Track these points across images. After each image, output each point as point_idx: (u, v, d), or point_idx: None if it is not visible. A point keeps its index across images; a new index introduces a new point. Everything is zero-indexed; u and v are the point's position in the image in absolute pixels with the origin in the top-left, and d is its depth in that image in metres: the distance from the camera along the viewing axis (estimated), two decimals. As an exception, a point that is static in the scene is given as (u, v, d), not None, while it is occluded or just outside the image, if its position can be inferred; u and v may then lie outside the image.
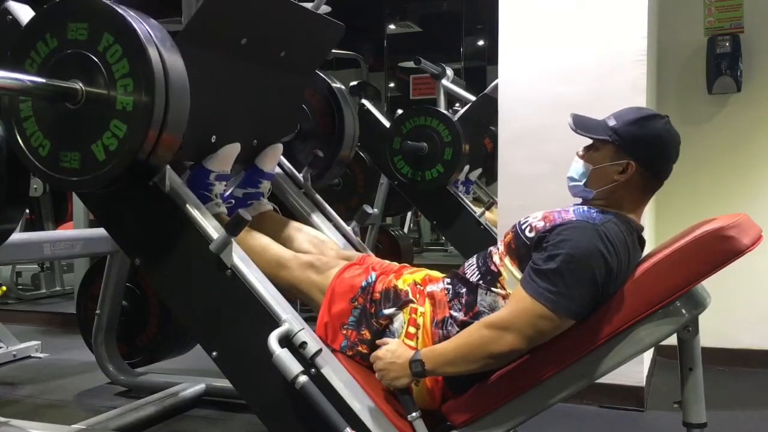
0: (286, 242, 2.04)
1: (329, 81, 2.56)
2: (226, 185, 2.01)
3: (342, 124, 2.52)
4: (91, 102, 1.62)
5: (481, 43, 7.90)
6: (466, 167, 4.22)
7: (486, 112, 4.41)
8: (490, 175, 4.99)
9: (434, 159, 3.96)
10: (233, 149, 1.95)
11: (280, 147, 2.18)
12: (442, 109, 4.43)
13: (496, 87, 4.56)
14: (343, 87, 2.62)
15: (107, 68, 1.60)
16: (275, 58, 2.05)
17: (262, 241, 1.91)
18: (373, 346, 1.67)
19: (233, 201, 2.09)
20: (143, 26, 1.60)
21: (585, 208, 1.62)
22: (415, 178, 4.02)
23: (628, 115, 1.61)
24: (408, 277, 1.80)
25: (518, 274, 1.58)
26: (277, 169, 2.16)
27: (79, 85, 1.62)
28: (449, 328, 1.65)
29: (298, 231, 2.11)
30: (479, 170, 4.57)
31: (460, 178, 4.23)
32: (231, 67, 1.92)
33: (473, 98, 4.49)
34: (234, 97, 1.98)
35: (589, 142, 1.65)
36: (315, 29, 2.14)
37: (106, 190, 1.71)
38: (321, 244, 2.06)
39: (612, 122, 1.61)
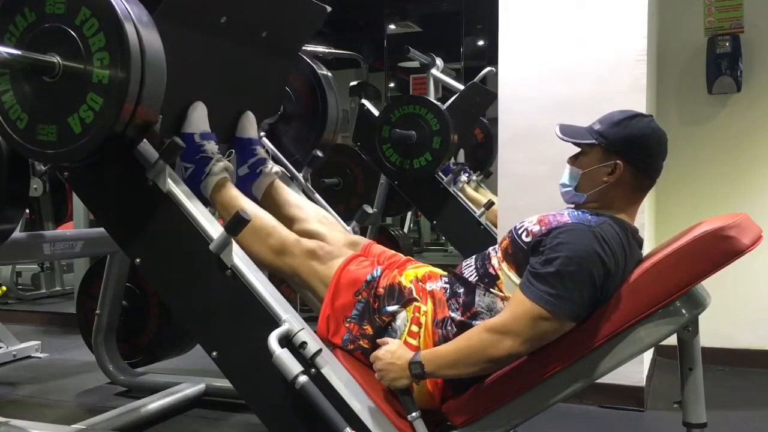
0: (295, 217, 2.05)
1: (313, 65, 2.56)
2: (218, 146, 2.00)
3: (325, 106, 2.52)
4: (68, 75, 1.62)
5: (481, 43, 7.89)
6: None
7: (475, 101, 4.43)
8: (481, 166, 5.01)
9: (423, 147, 3.96)
10: (199, 108, 1.95)
11: (249, 113, 2.18)
12: (432, 98, 4.43)
13: (484, 76, 4.60)
14: (328, 73, 2.62)
15: (84, 42, 1.60)
16: (256, 39, 2.07)
17: (268, 223, 1.90)
18: (375, 342, 1.67)
19: (245, 176, 2.09)
20: (120, 1, 1.60)
21: (579, 211, 1.62)
22: (403, 166, 4.02)
23: (612, 117, 1.63)
24: (411, 273, 1.80)
25: (516, 279, 1.59)
26: (276, 167, 2.16)
27: (56, 59, 1.62)
28: (448, 328, 1.65)
29: (308, 207, 2.12)
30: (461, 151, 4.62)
31: (451, 164, 4.25)
32: (210, 45, 1.93)
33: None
34: (214, 75, 1.99)
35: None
36: (297, 11, 2.16)
37: (83, 162, 1.72)
38: (330, 224, 2.07)
39: (597, 126, 1.63)
